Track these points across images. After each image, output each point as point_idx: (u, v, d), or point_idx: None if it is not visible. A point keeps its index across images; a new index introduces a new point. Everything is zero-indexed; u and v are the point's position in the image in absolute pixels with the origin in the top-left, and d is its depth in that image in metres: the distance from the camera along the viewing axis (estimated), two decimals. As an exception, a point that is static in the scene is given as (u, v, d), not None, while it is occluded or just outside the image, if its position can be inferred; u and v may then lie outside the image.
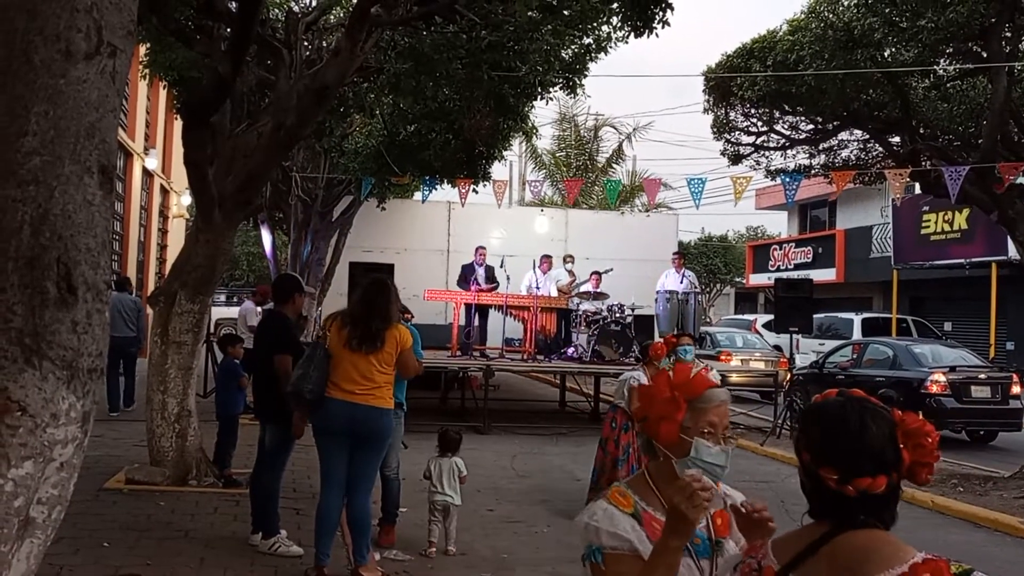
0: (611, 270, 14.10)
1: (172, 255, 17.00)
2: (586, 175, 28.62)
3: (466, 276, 13.73)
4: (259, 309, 12.08)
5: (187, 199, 19.78)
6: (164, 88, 16.31)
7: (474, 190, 13.97)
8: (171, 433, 7.38)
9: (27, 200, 2.33)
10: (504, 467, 9.50)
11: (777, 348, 18.27)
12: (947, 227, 21.77)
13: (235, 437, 7.85)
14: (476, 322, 13.60)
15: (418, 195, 16.83)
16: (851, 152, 13.74)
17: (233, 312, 20.82)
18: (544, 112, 51.05)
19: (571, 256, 15.07)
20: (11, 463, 2.26)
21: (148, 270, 20.81)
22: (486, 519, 7.12)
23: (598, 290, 13.84)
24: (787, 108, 12.48)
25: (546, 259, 14.28)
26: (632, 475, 2.05)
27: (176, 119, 17.71)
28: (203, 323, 7.74)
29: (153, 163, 19.81)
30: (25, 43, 2.35)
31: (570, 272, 14.60)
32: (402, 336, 5.19)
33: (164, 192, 22.75)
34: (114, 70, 2.51)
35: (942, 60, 10.89)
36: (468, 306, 13.41)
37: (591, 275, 14.06)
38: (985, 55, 9.82)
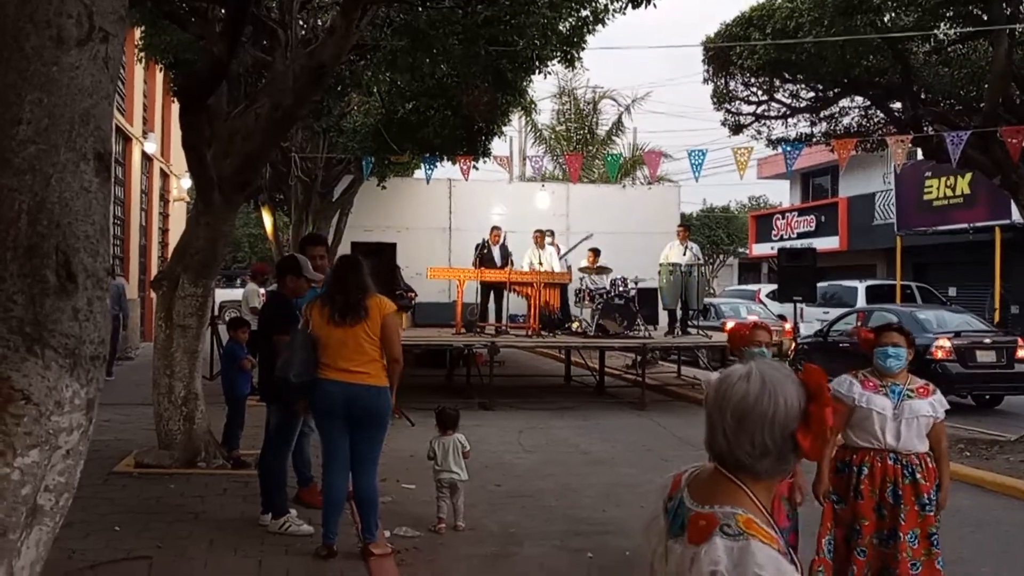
0: (591, 235, 14.64)
1: (174, 239, 16.96)
2: (586, 149, 28.50)
3: (483, 256, 13.64)
4: (262, 290, 12.09)
5: (187, 182, 19.73)
6: (161, 71, 16.21)
7: (474, 166, 13.91)
8: (179, 416, 7.43)
9: (23, 189, 2.32)
10: (510, 442, 9.54)
11: (781, 317, 18.27)
12: (950, 192, 21.67)
13: (242, 418, 7.90)
14: (492, 301, 13.66)
15: (418, 173, 16.77)
16: (852, 119, 13.61)
17: (236, 294, 20.90)
18: (543, 86, 50.86)
19: (551, 231, 15.16)
20: (17, 452, 2.27)
21: (150, 254, 20.81)
22: (494, 494, 7.16)
23: (599, 264, 13.90)
24: (787, 76, 12.36)
25: (539, 234, 14.26)
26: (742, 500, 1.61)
27: (174, 102, 17.62)
28: (207, 306, 7.76)
29: (152, 147, 19.75)
30: (16, 30, 2.33)
31: (552, 244, 14.62)
32: (383, 303, 5.20)
33: (164, 176, 22.69)
34: (107, 55, 2.49)
35: (942, 24, 10.77)
36: (485, 284, 13.40)
37: (588, 252, 14.19)
38: (986, 18, 9.71)
